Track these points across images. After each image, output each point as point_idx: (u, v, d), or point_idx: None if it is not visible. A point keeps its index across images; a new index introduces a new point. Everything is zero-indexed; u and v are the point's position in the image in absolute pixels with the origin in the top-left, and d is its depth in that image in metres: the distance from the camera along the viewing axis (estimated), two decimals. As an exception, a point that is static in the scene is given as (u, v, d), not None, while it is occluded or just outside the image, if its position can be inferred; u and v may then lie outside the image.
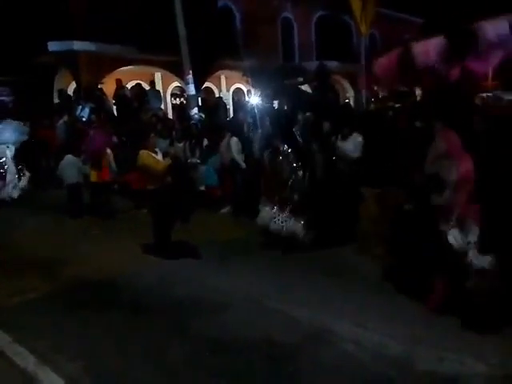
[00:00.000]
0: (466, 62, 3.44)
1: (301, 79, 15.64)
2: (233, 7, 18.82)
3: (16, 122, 9.84)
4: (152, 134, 7.01)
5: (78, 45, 13.53)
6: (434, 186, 3.71)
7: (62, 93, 13.27)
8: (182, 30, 11.96)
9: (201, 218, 7.10)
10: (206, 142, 8.89)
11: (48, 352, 3.58)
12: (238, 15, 18.96)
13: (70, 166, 8.45)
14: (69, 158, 8.52)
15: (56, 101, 13.26)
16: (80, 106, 11.31)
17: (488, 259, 3.47)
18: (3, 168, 9.57)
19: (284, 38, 20.90)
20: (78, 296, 4.71)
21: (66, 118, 11.15)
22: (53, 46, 13.30)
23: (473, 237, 3.54)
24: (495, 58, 3.42)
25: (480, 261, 3.49)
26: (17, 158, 9.75)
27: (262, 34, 18.24)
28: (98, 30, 13.32)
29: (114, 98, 13.23)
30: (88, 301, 4.55)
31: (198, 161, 8.71)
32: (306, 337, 3.65)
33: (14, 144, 9.76)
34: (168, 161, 6.09)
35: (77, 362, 3.44)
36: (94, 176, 8.12)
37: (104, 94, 12.98)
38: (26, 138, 9.93)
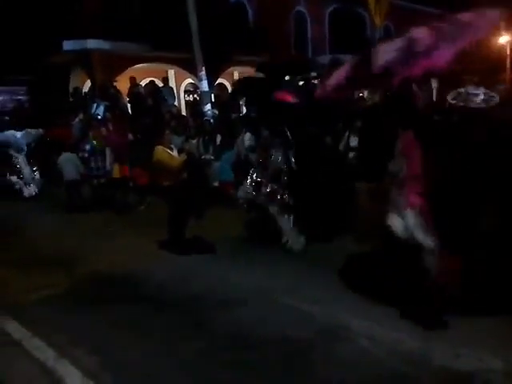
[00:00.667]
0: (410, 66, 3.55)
1: (314, 74, 15.52)
2: (245, 2, 18.76)
3: (32, 130, 10.18)
4: (167, 131, 7.08)
5: (91, 43, 13.68)
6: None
7: (77, 91, 13.44)
8: (194, 27, 11.98)
9: (215, 213, 7.11)
10: (219, 138, 8.91)
11: (66, 346, 3.65)
12: (250, 11, 18.89)
13: (67, 162, 8.59)
14: (66, 154, 8.67)
15: (71, 99, 13.43)
16: (95, 104, 11.41)
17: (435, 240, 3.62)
18: (17, 166, 9.91)
19: (297, 32, 20.77)
20: (94, 292, 4.78)
21: (81, 116, 11.27)
22: (67, 44, 13.48)
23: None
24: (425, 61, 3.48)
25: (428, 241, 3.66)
26: (30, 156, 10.06)
27: (274, 28, 18.15)
28: (112, 28, 13.46)
29: (128, 95, 13.34)
30: (103, 296, 4.62)
31: (212, 157, 8.74)
32: (320, 332, 3.64)
33: (27, 145, 10.10)
34: (183, 157, 6.13)
35: (94, 355, 3.49)
36: (116, 171, 8.23)
37: (118, 91, 13.09)
38: (37, 141, 10.29)
